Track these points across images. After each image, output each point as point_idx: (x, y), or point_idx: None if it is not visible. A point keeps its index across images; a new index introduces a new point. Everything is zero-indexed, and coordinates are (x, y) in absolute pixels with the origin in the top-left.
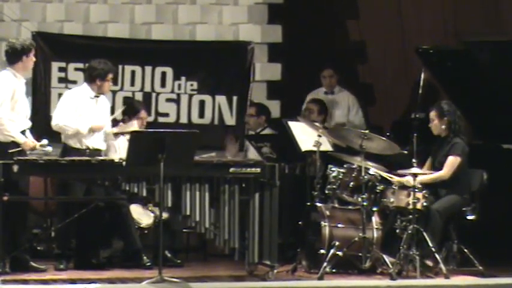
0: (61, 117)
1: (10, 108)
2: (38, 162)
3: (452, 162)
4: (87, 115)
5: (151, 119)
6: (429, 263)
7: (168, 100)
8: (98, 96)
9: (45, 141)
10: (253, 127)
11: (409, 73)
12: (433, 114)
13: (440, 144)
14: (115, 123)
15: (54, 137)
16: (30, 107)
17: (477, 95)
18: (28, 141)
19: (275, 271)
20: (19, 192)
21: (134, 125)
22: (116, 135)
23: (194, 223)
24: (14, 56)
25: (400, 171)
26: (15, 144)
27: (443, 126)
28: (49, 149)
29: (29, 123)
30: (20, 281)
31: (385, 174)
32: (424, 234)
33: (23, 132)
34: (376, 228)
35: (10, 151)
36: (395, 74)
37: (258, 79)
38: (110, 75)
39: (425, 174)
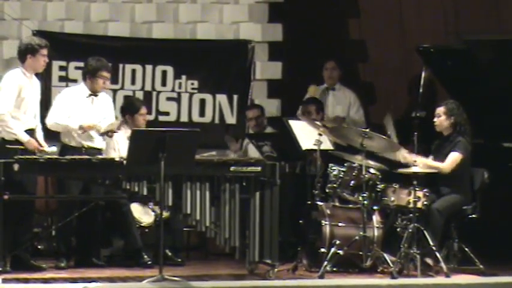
0: (52, 116)
1: (15, 105)
2: (39, 161)
3: (454, 157)
4: (80, 114)
5: (151, 117)
6: (429, 261)
7: (169, 99)
8: (95, 95)
9: (54, 149)
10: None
11: (410, 72)
12: (441, 110)
13: (441, 143)
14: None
15: (54, 136)
16: None
17: (478, 94)
18: (32, 140)
19: (276, 270)
20: (25, 192)
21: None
22: (103, 135)
23: (195, 222)
24: (20, 55)
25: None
26: (18, 142)
27: (448, 125)
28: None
29: (37, 123)
30: (20, 280)
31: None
32: (425, 232)
33: (30, 131)
34: (377, 227)
35: (8, 146)
36: (396, 73)
37: (258, 78)
38: (102, 73)
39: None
